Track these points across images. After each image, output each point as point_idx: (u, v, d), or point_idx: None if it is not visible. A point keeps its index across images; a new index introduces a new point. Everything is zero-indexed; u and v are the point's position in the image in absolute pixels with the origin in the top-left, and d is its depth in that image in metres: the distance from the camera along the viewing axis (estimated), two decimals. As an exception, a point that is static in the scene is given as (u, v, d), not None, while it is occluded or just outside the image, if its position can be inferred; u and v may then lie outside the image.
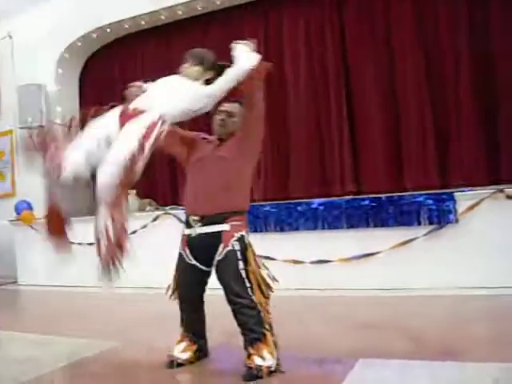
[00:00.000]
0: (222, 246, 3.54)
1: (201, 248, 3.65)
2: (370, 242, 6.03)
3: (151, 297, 6.62)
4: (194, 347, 3.82)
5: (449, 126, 6.68)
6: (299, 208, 6.38)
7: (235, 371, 3.52)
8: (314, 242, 6.33)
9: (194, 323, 3.86)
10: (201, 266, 3.68)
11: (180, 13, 8.13)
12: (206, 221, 3.59)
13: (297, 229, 6.42)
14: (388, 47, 7.03)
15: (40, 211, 8.46)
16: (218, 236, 3.56)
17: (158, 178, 8.68)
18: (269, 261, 6.23)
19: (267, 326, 3.56)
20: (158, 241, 7.13)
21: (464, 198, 5.72)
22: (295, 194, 7.23)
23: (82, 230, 7.94)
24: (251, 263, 3.59)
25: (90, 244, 7.76)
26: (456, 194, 5.78)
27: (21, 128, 9.01)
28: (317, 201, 6.42)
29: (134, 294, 6.89)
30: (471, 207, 5.66)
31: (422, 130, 6.74)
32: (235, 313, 3.57)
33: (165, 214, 7.27)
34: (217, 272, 3.63)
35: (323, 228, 6.26)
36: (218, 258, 3.56)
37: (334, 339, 4.23)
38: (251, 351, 3.49)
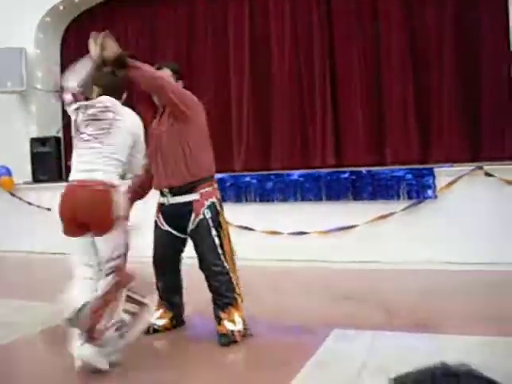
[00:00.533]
0: (193, 215, 3.59)
1: (174, 216, 3.69)
2: (349, 215, 6.07)
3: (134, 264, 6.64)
4: (170, 314, 3.89)
5: (431, 101, 6.67)
6: (279, 179, 6.39)
7: (211, 338, 3.58)
8: (293, 213, 6.37)
9: (169, 291, 3.90)
10: (175, 232, 3.74)
11: (165, -19, 8.00)
12: (175, 191, 3.62)
13: (276, 200, 6.45)
14: (373, 20, 6.98)
15: (19, 177, 8.42)
16: (189, 204, 3.60)
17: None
18: (248, 231, 6.33)
19: (238, 291, 3.65)
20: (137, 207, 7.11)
21: (443, 174, 5.78)
22: (276, 165, 7.23)
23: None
24: (224, 228, 3.68)
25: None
26: (436, 169, 5.83)
27: (0, 92, 8.88)
28: (297, 172, 6.44)
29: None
30: (450, 183, 5.72)
31: (403, 104, 6.72)
32: (208, 279, 3.65)
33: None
34: (192, 240, 3.72)
35: (302, 200, 6.30)
36: (191, 227, 3.63)
37: (310, 310, 4.29)
38: (222, 316, 3.57)
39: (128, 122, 3.29)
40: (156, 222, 3.82)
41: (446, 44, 6.57)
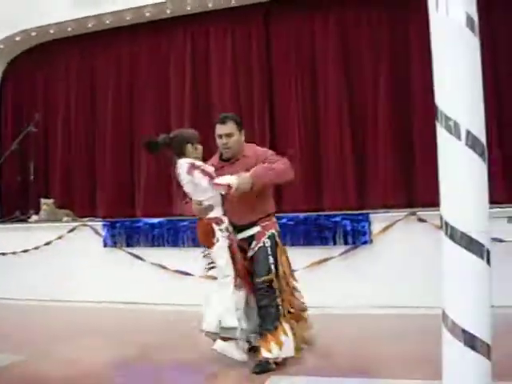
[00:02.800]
0: (254, 242, 3.96)
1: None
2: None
3: (64, 310, 6.46)
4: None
5: (367, 148, 6.91)
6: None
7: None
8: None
9: None
10: None
11: (107, 22, 8.02)
12: (241, 228, 4.02)
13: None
14: (311, 69, 7.24)
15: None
16: (252, 236, 3.99)
17: (76, 189, 8.46)
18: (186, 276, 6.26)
19: (282, 320, 3.84)
20: (74, 252, 6.97)
21: (378, 220, 5.90)
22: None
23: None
24: (280, 260, 3.96)
25: (2, 254, 7.47)
26: (371, 215, 5.95)
27: None
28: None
29: (46, 307, 6.67)
30: (385, 229, 5.84)
31: (340, 151, 6.92)
32: (258, 305, 3.90)
33: (82, 225, 7.10)
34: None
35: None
36: (250, 253, 3.99)
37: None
38: (260, 343, 3.78)
39: None
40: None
41: (380, 92, 6.85)
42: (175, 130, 4.20)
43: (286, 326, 3.86)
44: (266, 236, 3.95)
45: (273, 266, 3.90)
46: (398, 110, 6.78)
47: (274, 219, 4.13)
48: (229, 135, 3.99)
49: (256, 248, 3.95)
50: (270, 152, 4.11)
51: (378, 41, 6.94)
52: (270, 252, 3.92)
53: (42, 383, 3.77)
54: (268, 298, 3.83)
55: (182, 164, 3.89)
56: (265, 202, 4.08)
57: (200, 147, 4.02)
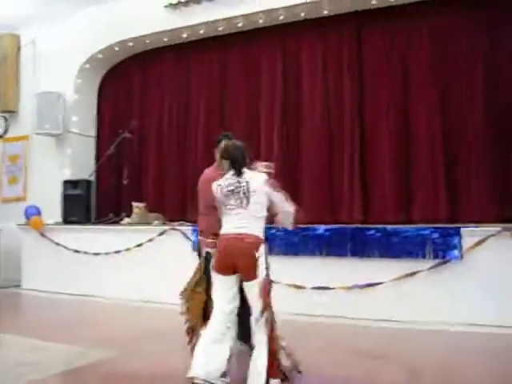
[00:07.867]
0: None
1: None
2: (374, 272, 6.01)
3: (153, 311, 6.66)
4: None
5: (460, 159, 6.71)
6: (305, 233, 6.38)
7: None
8: (318, 267, 6.32)
9: None
10: None
11: (201, 32, 8.24)
12: None
13: (302, 253, 6.42)
14: (403, 80, 7.12)
15: (50, 217, 8.56)
16: None
17: (168, 193, 8.73)
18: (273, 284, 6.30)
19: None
20: (163, 255, 7.17)
21: (470, 234, 5.71)
22: (302, 218, 7.26)
23: (88, 239, 8.05)
24: None
25: (96, 254, 7.82)
26: (462, 229, 5.77)
27: (37, 134, 9.13)
28: (323, 227, 6.42)
29: (136, 307, 6.91)
30: (477, 244, 5.64)
31: (432, 163, 6.77)
32: None
33: (172, 229, 7.29)
34: None
35: (328, 254, 6.26)
36: None
37: (332, 367, 4.23)
38: None
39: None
40: None
41: (475, 103, 6.64)
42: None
43: None
44: None
45: None
46: (493, 120, 6.55)
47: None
48: None
49: None
50: None
51: (474, 50, 6.73)
52: None
53: (131, 380, 3.90)
54: None
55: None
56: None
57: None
